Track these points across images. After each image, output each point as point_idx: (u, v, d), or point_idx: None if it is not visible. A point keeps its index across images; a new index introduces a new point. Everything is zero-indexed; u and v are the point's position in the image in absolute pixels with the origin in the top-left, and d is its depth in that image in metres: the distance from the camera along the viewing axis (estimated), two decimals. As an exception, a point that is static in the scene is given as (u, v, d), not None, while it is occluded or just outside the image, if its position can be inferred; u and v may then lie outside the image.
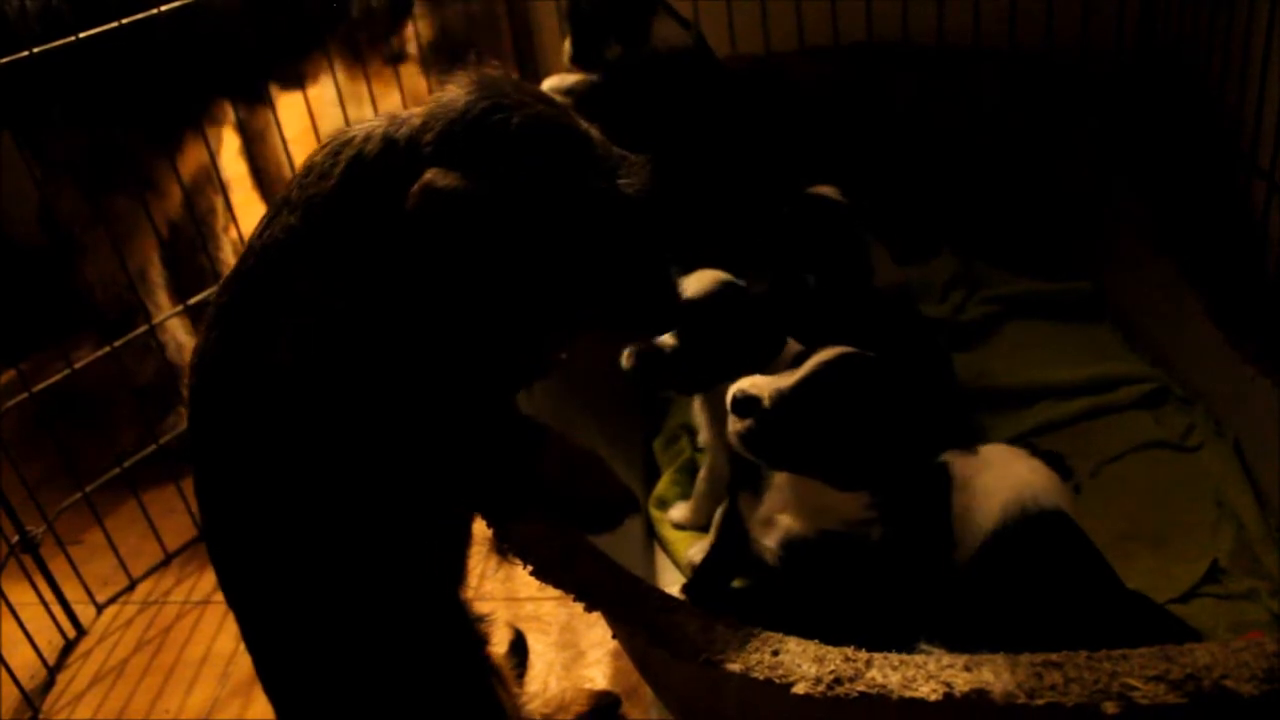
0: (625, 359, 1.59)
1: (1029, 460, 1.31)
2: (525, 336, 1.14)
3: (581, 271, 1.10)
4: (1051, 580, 1.24)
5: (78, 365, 1.96)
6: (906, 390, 1.34)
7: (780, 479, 1.40)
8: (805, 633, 1.02)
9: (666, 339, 1.57)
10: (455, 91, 1.09)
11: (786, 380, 1.32)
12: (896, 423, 1.32)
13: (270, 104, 2.32)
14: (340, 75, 2.32)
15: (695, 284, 1.59)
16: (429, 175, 1.02)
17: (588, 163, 1.09)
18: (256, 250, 1.09)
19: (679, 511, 1.82)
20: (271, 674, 1.19)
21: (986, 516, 1.26)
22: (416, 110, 1.10)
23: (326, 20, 2.22)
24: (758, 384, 1.33)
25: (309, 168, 1.10)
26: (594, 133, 1.11)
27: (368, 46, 2.31)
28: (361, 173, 1.07)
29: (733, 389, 1.33)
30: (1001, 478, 1.28)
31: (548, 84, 2.06)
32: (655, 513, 1.85)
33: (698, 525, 1.77)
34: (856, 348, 1.35)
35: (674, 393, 2.01)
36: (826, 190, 1.86)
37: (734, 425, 1.33)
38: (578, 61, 2.11)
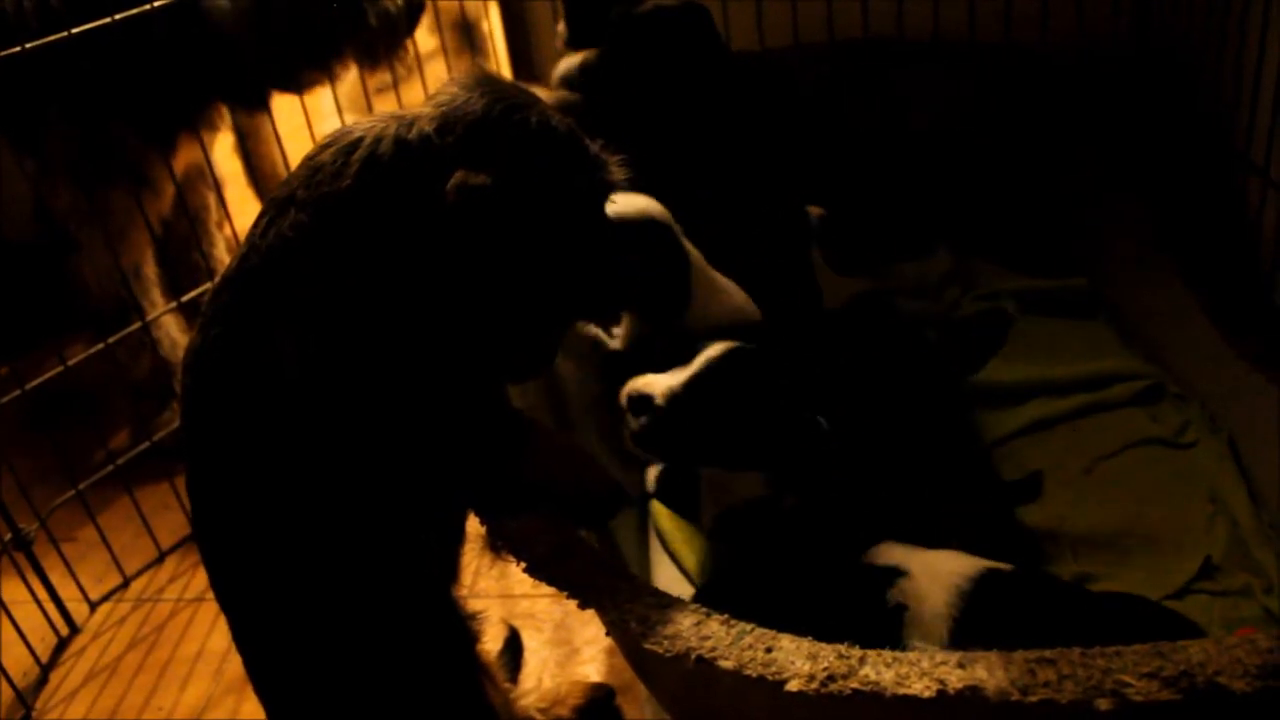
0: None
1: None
2: (536, 326, 1.17)
3: (588, 261, 1.16)
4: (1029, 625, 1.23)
5: (71, 362, 1.96)
6: (789, 376, 1.37)
7: None
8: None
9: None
10: (463, 92, 1.11)
11: (678, 378, 1.33)
12: (782, 408, 1.35)
13: (268, 109, 2.31)
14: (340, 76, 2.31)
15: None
16: (461, 174, 1.05)
17: (588, 158, 1.16)
18: (261, 249, 1.08)
19: None
20: (262, 672, 1.19)
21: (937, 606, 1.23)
22: (422, 111, 1.11)
23: (345, 29, 2.20)
24: (650, 383, 1.34)
25: (315, 167, 1.09)
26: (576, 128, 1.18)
27: (385, 53, 2.30)
28: (377, 173, 1.07)
29: (626, 389, 1.35)
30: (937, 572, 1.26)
31: (561, 68, 2.05)
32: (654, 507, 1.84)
33: None
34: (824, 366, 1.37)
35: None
36: (813, 210, 1.84)
37: (631, 425, 1.34)
38: (576, 39, 2.07)
